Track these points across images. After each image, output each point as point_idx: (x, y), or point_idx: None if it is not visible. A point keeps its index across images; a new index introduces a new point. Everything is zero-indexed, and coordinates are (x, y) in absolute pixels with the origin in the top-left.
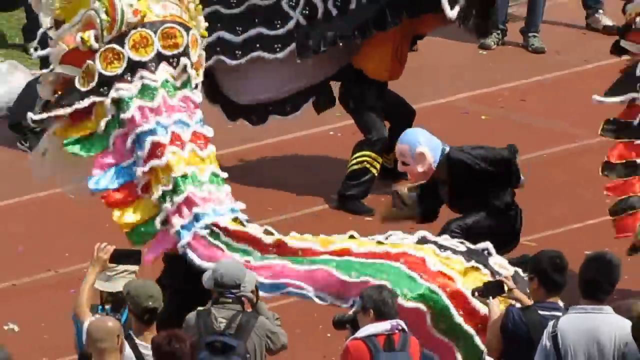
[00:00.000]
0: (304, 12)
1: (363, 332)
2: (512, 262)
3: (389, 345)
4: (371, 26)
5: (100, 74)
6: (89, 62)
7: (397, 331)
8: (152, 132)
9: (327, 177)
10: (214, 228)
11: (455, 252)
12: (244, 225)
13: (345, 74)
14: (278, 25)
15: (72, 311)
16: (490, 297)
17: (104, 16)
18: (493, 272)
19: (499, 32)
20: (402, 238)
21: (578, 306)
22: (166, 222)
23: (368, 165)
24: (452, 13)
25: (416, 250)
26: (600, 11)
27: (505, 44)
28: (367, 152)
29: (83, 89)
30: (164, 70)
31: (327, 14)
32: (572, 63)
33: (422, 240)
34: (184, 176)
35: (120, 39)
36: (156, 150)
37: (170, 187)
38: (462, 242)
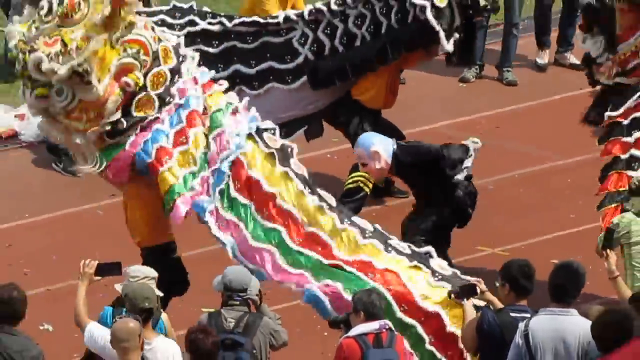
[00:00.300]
0: (312, 48)
1: (354, 331)
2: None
3: (378, 342)
4: (374, 61)
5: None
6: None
7: (384, 330)
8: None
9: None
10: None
11: (399, 253)
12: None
13: (344, 103)
14: (288, 60)
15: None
16: (465, 299)
17: (143, 57)
18: (433, 272)
19: (477, 67)
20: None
21: (547, 309)
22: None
23: (362, 185)
24: (449, 46)
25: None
26: (570, 52)
27: (482, 78)
28: (361, 173)
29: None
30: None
31: (334, 50)
32: (542, 94)
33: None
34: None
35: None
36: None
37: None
38: (409, 246)
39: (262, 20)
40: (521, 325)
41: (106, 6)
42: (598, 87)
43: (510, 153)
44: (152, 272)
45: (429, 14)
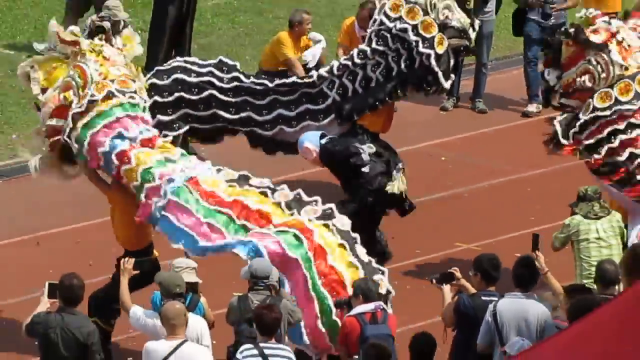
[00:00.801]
0: (338, 92)
1: (355, 311)
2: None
3: (374, 319)
4: (387, 98)
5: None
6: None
7: (379, 310)
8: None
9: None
10: (186, 184)
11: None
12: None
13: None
14: (320, 102)
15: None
16: (444, 284)
17: (78, 80)
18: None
19: (454, 98)
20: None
21: (511, 293)
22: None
23: None
24: (447, 85)
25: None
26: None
27: (458, 107)
28: None
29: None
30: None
31: (355, 92)
32: (506, 120)
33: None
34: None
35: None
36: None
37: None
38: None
39: (299, 81)
40: (490, 306)
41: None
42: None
43: (481, 167)
44: (193, 263)
45: (433, 61)
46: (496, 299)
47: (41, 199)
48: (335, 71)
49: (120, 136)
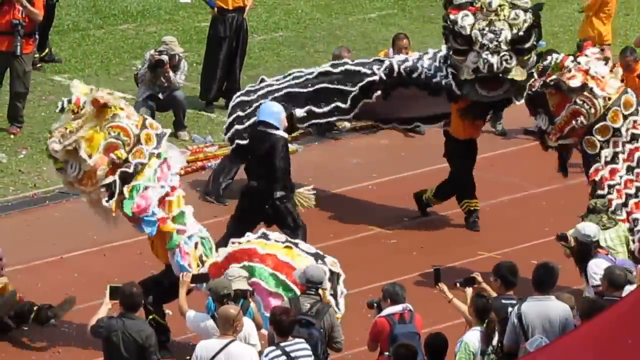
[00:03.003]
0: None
1: (384, 312)
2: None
3: (402, 319)
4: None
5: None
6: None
7: (407, 311)
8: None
9: (368, 216)
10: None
11: (276, 240)
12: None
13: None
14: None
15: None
16: (467, 287)
17: (124, 138)
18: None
19: None
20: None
21: (533, 296)
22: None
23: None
24: (519, 101)
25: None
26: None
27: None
28: (468, 199)
29: None
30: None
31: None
32: (523, 141)
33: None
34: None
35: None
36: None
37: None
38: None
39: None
40: (514, 309)
41: (89, 105)
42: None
43: (501, 184)
44: (244, 272)
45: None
46: (514, 302)
47: None
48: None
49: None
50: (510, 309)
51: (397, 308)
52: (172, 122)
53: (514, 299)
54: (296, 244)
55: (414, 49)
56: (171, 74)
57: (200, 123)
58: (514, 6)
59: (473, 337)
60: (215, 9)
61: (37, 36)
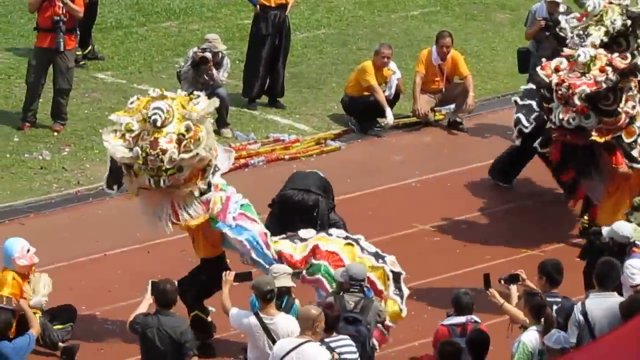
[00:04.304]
0: None
1: (447, 321)
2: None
3: (464, 331)
4: None
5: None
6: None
7: (470, 322)
8: None
9: (410, 214)
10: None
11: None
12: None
13: None
14: None
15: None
16: (511, 284)
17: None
18: (362, 249)
19: None
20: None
21: (595, 293)
22: None
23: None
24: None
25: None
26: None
27: None
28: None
29: None
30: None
31: None
32: None
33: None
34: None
35: None
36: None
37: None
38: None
39: None
40: (578, 306)
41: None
42: None
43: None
44: (288, 269)
45: None
46: (559, 299)
47: None
48: None
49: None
50: (555, 306)
51: (461, 319)
52: (215, 119)
53: (558, 297)
54: (357, 241)
55: (456, 46)
56: (214, 71)
57: (242, 120)
58: None
59: (530, 337)
60: (258, 6)
61: (78, 32)
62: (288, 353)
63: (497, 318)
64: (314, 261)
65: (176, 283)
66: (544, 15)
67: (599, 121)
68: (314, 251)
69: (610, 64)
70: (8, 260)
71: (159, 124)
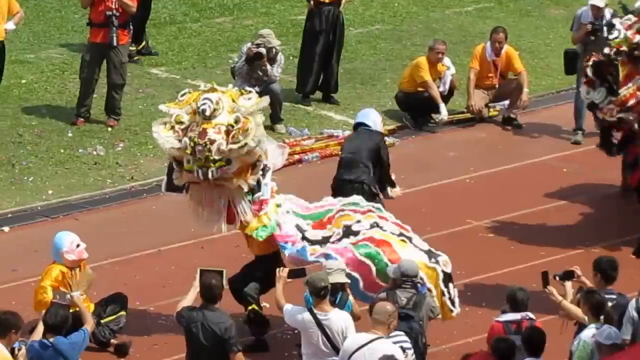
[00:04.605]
0: None
1: (502, 317)
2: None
3: (519, 329)
4: None
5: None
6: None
7: (525, 320)
8: None
9: (465, 210)
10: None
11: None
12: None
13: None
14: None
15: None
16: (566, 281)
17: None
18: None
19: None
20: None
21: None
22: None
23: None
24: None
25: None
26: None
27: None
28: None
29: None
30: None
31: None
32: None
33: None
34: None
35: None
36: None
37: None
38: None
39: None
40: (632, 302)
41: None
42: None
43: (599, 178)
44: (342, 265)
45: None
46: (614, 296)
47: None
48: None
49: None
50: (610, 303)
51: (516, 316)
52: (269, 114)
53: (614, 294)
54: (410, 239)
55: (510, 42)
56: (268, 66)
57: (296, 116)
58: None
59: (591, 335)
60: (312, 2)
61: (131, 27)
62: (359, 349)
63: (551, 315)
64: (371, 247)
65: (225, 275)
66: (589, 20)
67: (606, 97)
68: (371, 240)
69: None
70: (57, 254)
71: (207, 113)
